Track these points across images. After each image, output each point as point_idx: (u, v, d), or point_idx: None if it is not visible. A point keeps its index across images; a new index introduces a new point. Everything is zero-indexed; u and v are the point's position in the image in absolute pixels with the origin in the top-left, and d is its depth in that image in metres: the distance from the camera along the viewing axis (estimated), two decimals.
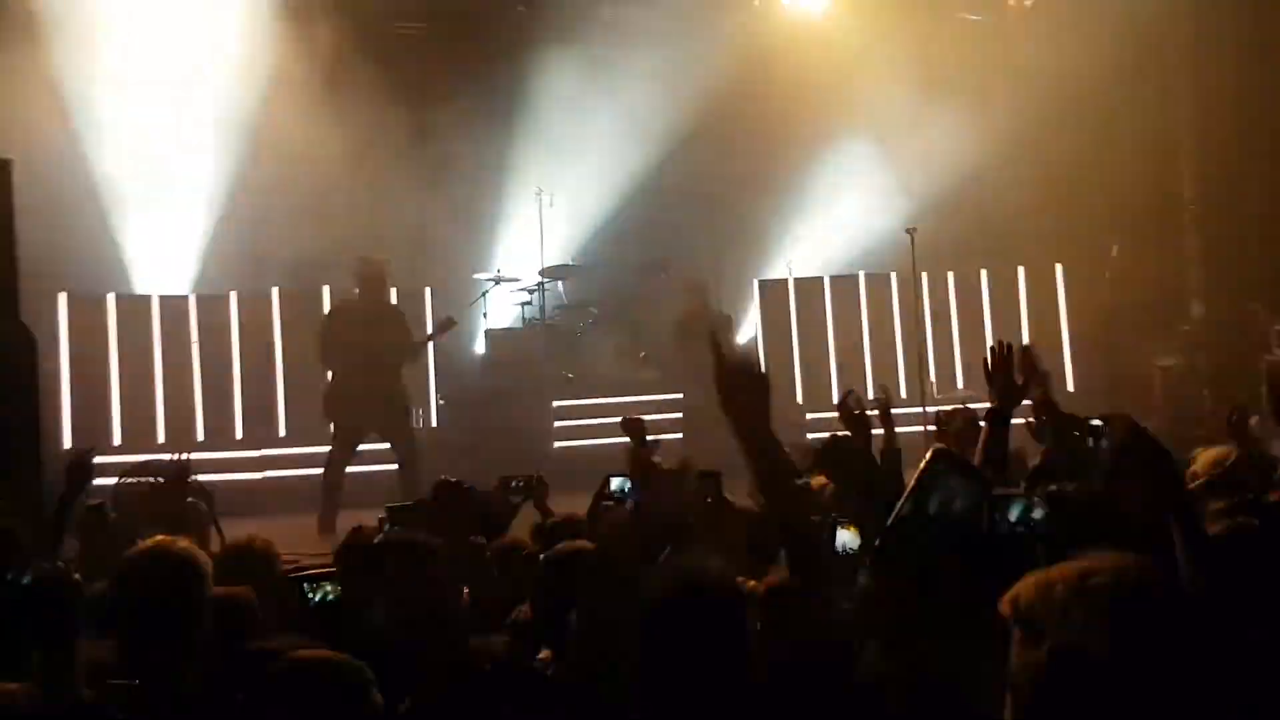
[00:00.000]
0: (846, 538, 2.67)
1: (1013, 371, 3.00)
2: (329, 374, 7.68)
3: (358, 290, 7.85)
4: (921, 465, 1.90)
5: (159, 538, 2.66)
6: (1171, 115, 10.59)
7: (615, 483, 3.31)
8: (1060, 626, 1.28)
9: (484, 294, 10.16)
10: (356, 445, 7.65)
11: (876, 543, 1.89)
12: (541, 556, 2.94)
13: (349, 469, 7.57)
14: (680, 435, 8.59)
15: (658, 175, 10.73)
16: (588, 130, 10.24)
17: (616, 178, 10.66)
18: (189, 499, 5.23)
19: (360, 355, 7.43)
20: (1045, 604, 1.31)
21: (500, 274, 10.14)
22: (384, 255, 8.09)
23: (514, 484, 4.12)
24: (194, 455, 7.85)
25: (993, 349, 3.04)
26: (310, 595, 2.94)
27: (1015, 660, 1.33)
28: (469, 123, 10.10)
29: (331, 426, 7.67)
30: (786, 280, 10.74)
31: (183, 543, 2.63)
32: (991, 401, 2.96)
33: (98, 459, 4.11)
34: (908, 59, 10.29)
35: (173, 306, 9.23)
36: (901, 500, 1.90)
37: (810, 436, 8.98)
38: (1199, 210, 10.46)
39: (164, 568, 2.53)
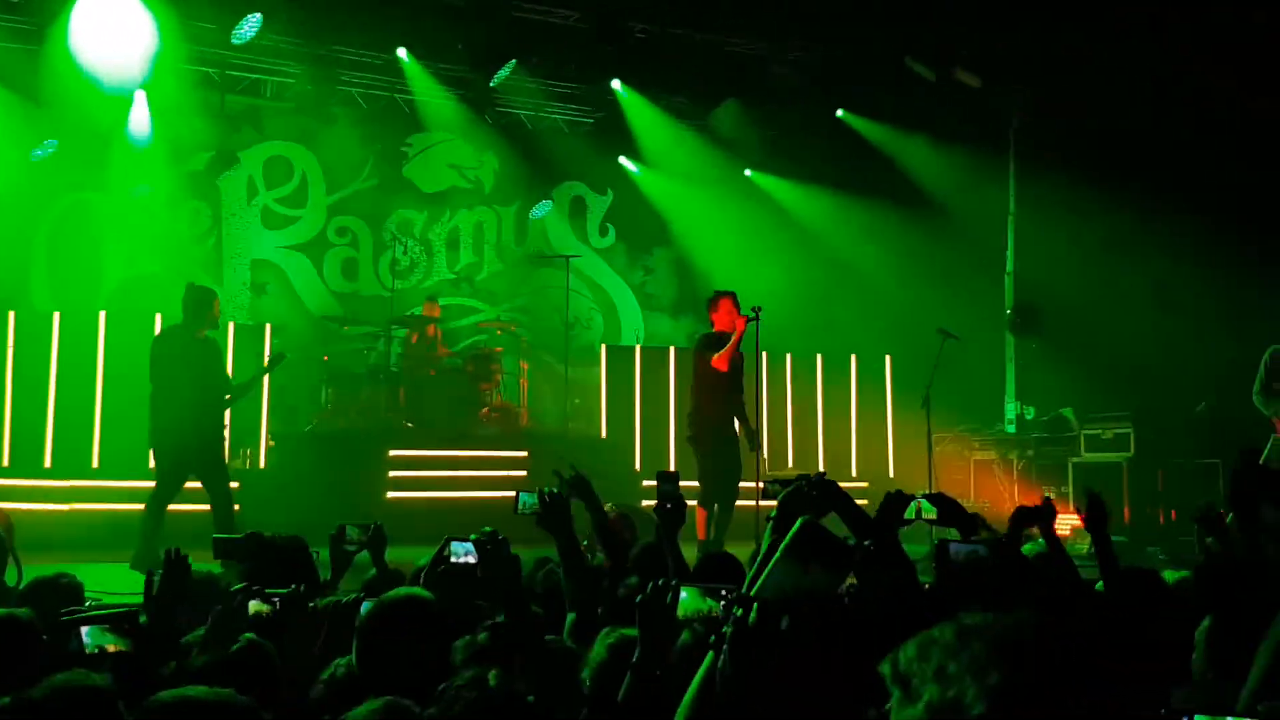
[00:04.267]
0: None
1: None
2: (155, 404, 7.05)
3: (183, 319, 7.14)
4: (790, 537, 1.79)
5: None
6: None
7: (457, 548, 3.04)
8: (936, 683, 1.28)
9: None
10: (181, 482, 7.05)
11: (734, 612, 1.73)
12: (369, 603, 2.79)
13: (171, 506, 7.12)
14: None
15: None
16: None
17: None
18: None
19: (182, 389, 6.93)
20: (923, 663, 1.31)
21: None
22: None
23: (351, 534, 3.93)
24: None
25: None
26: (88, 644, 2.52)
27: None
28: None
29: (154, 460, 7.22)
30: (634, 349, 10.95)
31: None
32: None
33: None
34: None
35: None
36: (765, 572, 1.78)
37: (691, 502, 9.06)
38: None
39: None
